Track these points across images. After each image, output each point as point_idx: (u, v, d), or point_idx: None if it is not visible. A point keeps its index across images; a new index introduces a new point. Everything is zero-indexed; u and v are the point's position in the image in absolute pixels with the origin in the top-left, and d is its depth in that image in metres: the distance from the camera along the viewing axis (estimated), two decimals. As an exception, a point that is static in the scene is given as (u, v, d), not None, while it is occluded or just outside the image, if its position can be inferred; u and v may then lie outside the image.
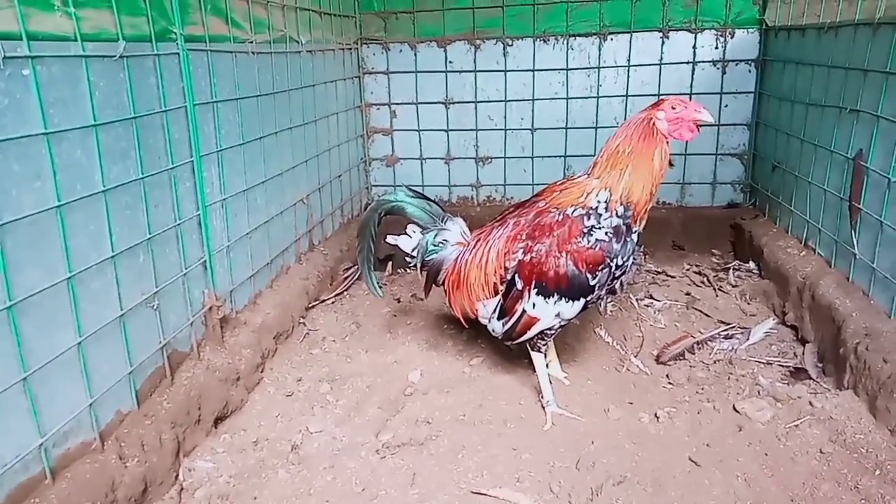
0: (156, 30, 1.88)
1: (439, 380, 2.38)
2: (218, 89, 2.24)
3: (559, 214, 2.04)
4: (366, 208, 4.02)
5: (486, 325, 2.26)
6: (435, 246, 2.35)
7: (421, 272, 2.40)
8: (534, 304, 2.07)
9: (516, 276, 2.08)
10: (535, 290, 2.05)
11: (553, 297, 2.04)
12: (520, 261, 2.07)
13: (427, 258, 2.36)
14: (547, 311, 2.06)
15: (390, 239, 2.41)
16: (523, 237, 2.09)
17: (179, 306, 2.06)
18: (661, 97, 2.14)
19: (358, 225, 2.37)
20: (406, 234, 2.40)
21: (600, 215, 2.00)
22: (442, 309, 2.99)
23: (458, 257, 2.29)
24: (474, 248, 2.24)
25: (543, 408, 2.15)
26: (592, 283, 2.01)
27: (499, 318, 2.17)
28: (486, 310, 2.21)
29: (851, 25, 2.49)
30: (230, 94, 2.33)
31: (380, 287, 2.51)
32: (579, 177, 2.12)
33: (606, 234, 1.98)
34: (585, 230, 1.99)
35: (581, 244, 1.98)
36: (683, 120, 2.00)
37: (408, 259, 2.41)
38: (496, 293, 2.16)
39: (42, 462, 1.51)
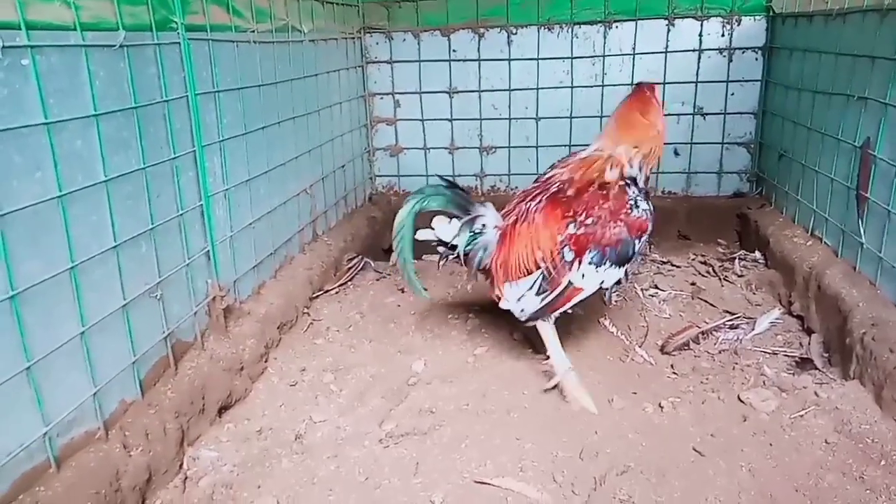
0: (156, 19, 1.86)
1: (443, 370, 2.38)
2: (220, 79, 2.23)
3: (602, 188, 2.18)
4: (369, 199, 4.04)
5: (504, 306, 2.24)
6: (476, 232, 2.26)
7: (465, 261, 2.29)
8: (583, 275, 2.15)
9: (566, 248, 2.14)
10: (589, 260, 2.14)
11: (604, 265, 2.15)
12: (571, 234, 2.14)
13: (469, 246, 2.26)
14: (593, 280, 2.17)
15: (422, 234, 2.27)
16: (571, 212, 2.16)
17: (183, 296, 2.06)
18: (638, 83, 2.38)
19: (395, 226, 2.23)
20: (439, 224, 2.28)
21: (636, 183, 2.21)
22: (446, 299, 2.98)
23: (501, 239, 2.24)
24: (517, 228, 2.22)
25: (553, 375, 2.19)
26: (636, 249, 2.20)
27: (537, 294, 2.17)
28: (518, 288, 2.19)
29: (860, 12, 2.46)
30: (232, 83, 2.32)
31: (425, 289, 2.41)
32: (594, 153, 2.26)
33: (649, 203, 2.21)
34: (631, 201, 2.16)
35: (632, 214, 2.16)
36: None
37: (441, 250, 2.30)
38: (537, 269, 2.17)
39: (46, 451, 1.52)
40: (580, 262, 2.14)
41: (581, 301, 2.21)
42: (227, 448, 1.97)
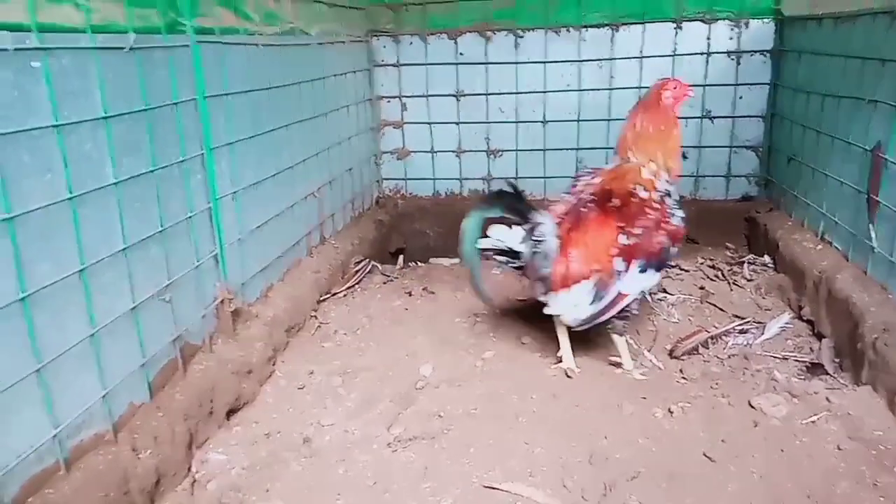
0: (165, 22, 1.87)
1: (451, 374, 2.37)
2: (228, 82, 2.23)
3: (643, 200, 2.27)
4: (376, 202, 4.03)
5: (553, 312, 2.28)
6: (537, 240, 2.21)
7: (527, 270, 2.25)
8: (629, 282, 2.22)
9: (618, 259, 2.21)
10: (638, 268, 2.22)
11: (648, 271, 2.24)
12: (623, 245, 2.21)
13: (532, 255, 2.21)
14: (637, 286, 2.25)
15: (485, 243, 2.23)
16: (622, 223, 2.24)
17: (191, 299, 2.06)
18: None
19: (463, 235, 2.20)
20: (501, 232, 2.24)
21: (670, 195, 2.31)
22: (454, 303, 2.98)
23: (560, 248, 2.22)
24: (573, 237, 2.22)
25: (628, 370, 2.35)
26: (672, 255, 2.32)
27: (591, 303, 2.22)
28: (572, 296, 2.22)
29: (870, 14, 2.45)
30: (241, 86, 2.32)
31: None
32: (624, 164, 2.35)
33: (683, 210, 2.33)
34: (671, 211, 2.28)
35: (672, 223, 2.27)
36: (680, 95, 2.37)
37: (500, 258, 2.26)
38: (591, 277, 2.21)
39: (56, 453, 1.51)
40: (628, 271, 2.21)
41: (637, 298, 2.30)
42: (236, 451, 1.96)
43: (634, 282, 2.24)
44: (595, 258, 2.21)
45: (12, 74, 1.39)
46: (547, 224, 2.22)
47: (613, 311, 2.25)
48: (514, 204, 2.23)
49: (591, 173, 2.44)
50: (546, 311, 2.31)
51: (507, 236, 2.24)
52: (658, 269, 2.29)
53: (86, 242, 1.59)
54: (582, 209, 2.29)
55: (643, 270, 2.24)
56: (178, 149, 1.96)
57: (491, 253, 2.27)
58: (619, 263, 2.21)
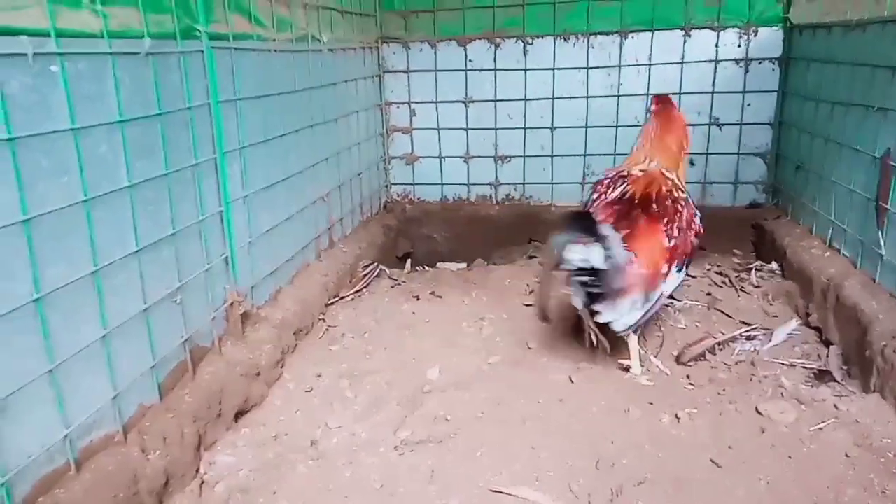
0: (180, 27, 1.90)
1: (458, 377, 2.38)
2: (241, 87, 2.25)
3: (676, 202, 2.38)
4: (385, 207, 4.06)
5: (606, 319, 2.21)
6: (609, 257, 2.10)
7: (605, 286, 2.13)
8: (670, 282, 2.29)
9: (662, 261, 2.27)
10: (675, 267, 2.30)
11: (682, 270, 2.35)
12: (667, 247, 2.27)
13: (606, 269, 2.11)
14: (673, 285, 2.33)
15: (570, 263, 2.11)
16: (664, 226, 2.31)
17: (202, 301, 2.08)
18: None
19: (552, 255, 2.15)
20: (583, 251, 2.12)
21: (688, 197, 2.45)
22: (461, 307, 2.99)
23: (631, 261, 2.16)
24: (632, 247, 2.18)
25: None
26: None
27: (640, 307, 2.22)
28: (627, 303, 2.18)
29: (880, 22, 2.45)
30: (253, 91, 2.35)
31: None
32: (652, 167, 2.48)
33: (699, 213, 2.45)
34: (696, 212, 2.43)
35: (697, 223, 2.41)
36: None
37: (578, 275, 2.13)
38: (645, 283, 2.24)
39: (67, 453, 1.53)
40: (669, 271, 2.28)
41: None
42: (244, 453, 1.97)
43: (673, 281, 2.31)
44: (650, 263, 2.23)
45: (31, 79, 1.41)
46: (612, 237, 2.09)
47: (654, 310, 2.30)
48: (585, 223, 2.09)
49: (615, 178, 2.51)
50: (598, 318, 2.21)
51: (589, 255, 2.08)
52: (686, 267, 2.38)
53: (99, 244, 1.61)
54: (631, 213, 2.34)
55: (679, 270, 2.32)
56: (191, 152, 1.99)
57: (570, 273, 2.15)
58: (664, 266, 2.26)
